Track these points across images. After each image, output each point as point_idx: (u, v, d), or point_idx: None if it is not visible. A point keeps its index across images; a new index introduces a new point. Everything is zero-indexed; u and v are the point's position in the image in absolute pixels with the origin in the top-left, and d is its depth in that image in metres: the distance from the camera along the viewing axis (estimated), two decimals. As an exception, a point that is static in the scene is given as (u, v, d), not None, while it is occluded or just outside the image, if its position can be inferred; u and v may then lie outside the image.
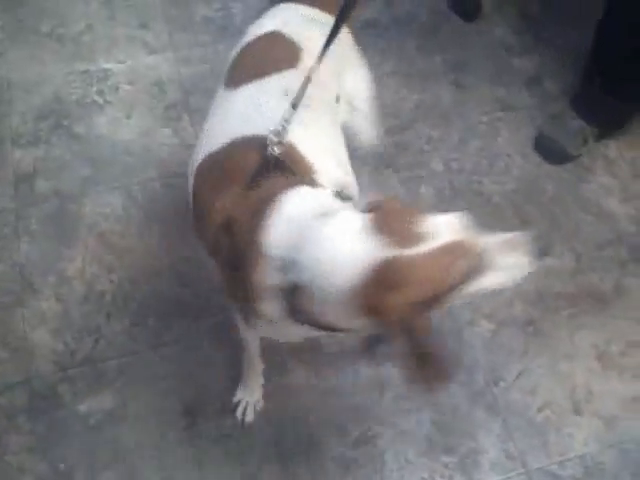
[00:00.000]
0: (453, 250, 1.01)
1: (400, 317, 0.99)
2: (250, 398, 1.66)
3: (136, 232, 1.89)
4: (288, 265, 1.06)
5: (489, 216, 1.91)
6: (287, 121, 1.21)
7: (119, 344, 1.72)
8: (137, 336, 1.73)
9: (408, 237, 1.01)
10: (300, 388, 1.68)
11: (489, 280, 1.04)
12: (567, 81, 2.19)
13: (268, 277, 1.08)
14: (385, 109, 1.93)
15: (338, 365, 1.71)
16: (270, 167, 1.18)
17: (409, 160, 2.03)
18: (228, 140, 1.25)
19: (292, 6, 1.48)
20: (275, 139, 1.20)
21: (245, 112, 1.30)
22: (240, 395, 1.67)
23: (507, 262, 1.05)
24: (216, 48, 2.23)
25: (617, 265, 1.87)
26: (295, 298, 1.06)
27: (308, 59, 1.31)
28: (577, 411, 1.67)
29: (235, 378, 1.67)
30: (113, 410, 1.65)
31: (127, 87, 2.17)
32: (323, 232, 1.05)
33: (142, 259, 1.84)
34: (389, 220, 1.03)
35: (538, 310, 1.80)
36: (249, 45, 1.43)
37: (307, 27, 1.42)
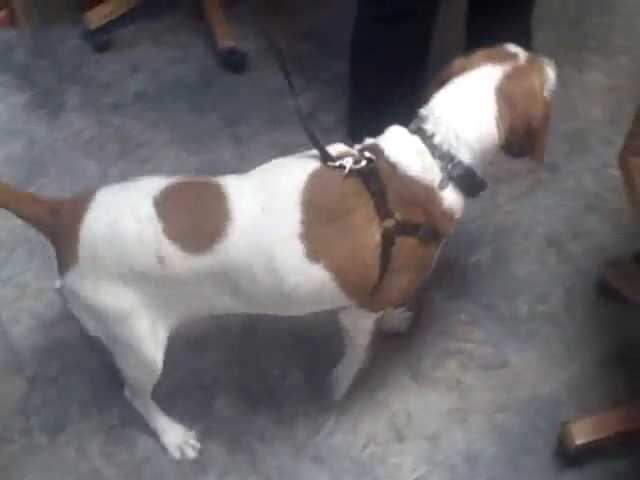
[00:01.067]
0: (535, 61, 1.36)
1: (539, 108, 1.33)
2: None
3: None
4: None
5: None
6: None
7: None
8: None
9: (505, 57, 1.34)
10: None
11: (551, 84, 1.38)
12: (340, 112, 2.23)
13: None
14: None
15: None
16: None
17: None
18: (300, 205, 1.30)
19: None
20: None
21: None
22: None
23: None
24: None
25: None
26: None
27: None
28: (400, 438, 1.67)
29: None
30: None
31: None
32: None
33: None
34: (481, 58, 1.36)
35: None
36: None
37: None
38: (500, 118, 1.31)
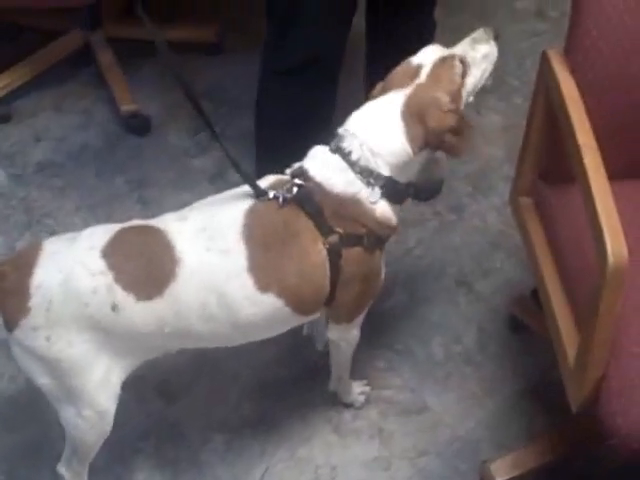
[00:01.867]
0: (443, 65, 1.40)
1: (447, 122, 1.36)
2: None
3: None
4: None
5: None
6: None
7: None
8: None
9: (408, 78, 1.40)
10: None
11: (476, 73, 1.43)
12: (248, 169, 2.23)
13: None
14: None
15: None
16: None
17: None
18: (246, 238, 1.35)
19: None
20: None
21: None
22: None
23: (480, 54, 1.44)
24: None
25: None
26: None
27: None
28: (324, 493, 1.67)
29: None
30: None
31: None
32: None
33: None
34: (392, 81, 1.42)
35: (266, 403, 1.79)
36: None
37: None
38: (409, 134, 1.37)
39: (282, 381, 1.83)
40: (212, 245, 1.35)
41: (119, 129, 2.40)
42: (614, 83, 1.43)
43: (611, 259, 1.19)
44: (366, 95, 1.52)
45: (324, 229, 1.37)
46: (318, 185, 1.38)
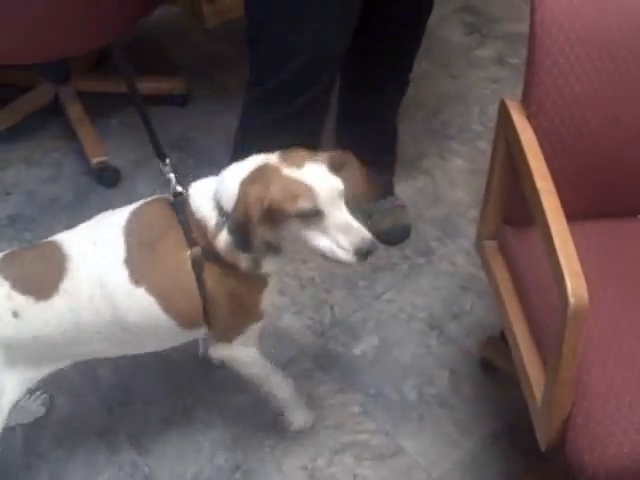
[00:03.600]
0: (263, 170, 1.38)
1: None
2: None
3: None
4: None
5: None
6: None
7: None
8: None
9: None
10: None
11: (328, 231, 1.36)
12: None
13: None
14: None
15: None
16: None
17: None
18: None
19: None
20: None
21: None
22: None
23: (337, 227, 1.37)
24: None
25: (306, 378, 1.92)
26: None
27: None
28: (300, 541, 1.66)
29: None
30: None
31: None
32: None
33: None
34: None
35: (240, 453, 1.79)
36: None
37: None
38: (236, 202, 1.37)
39: (254, 429, 1.83)
40: (99, 239, 1.46)
41: (89, 181, 2.42)
42: (569, 129, 1.47)
43: (572, 300, 1.22)
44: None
45: (189, 239, 1.44)
46: (189, 204, 1.46)
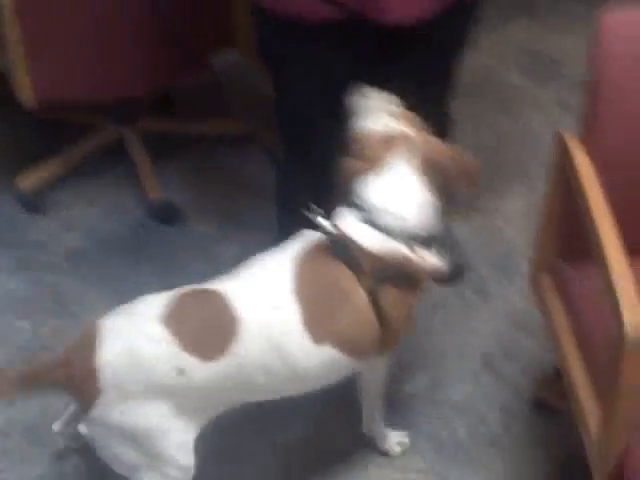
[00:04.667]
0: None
1: None
2: None
3: None
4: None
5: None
6: None
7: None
8: None
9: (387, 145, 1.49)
10: None
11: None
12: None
13: None
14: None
15: None
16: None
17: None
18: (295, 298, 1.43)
19: None
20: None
21: None
22: None
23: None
24: None
25: (356, 412, 1.89)
26: None
27: None
28: None
29: None
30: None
31: None
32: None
33: None
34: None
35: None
36: None
37: None
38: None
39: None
40: (269, 299, 1.43)
41: (149, 219, 2.46)
42: (629, 162, 1.46)
43: (629, 330, 1.19)
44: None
45: (360, 275, 1.43)
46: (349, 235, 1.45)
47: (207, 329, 1.42)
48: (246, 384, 1.43)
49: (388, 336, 1.50)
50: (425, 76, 1.80)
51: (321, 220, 1.48)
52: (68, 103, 2.34)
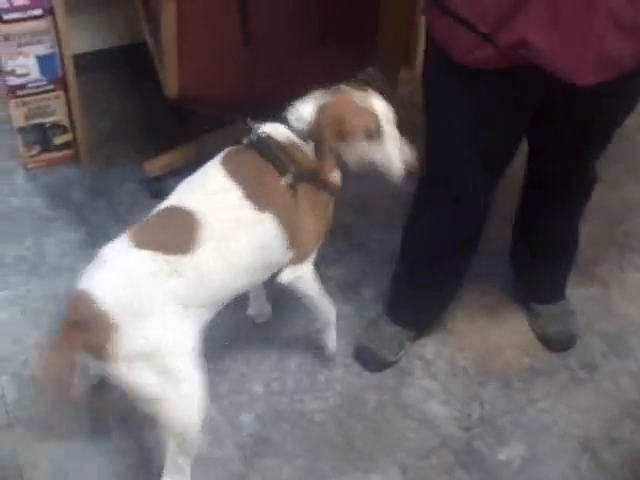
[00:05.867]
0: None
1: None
2: None
3: None
4: None
5: (314, 438, 1.89)
6: None
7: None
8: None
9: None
10: None
11: (386, 147, 1.68)
12: (383, 285, 2.23)
13: None
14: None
15: None
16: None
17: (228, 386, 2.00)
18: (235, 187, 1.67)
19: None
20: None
21: None
22: None
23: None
24: (28, 289, 2.19)
25: (444, 472, 1.85)
26: None
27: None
28: None
29: None
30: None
31: None
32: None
33: None
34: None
35: None
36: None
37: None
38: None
39: None
40: (209, 190, 1.66)
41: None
42: None
43: None
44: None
45: (281, 170, 1.69)
46: (273, 136, 1.72)
47: (175, 231, 1.58)
48: (223, 266, 1.60)
49: (304, 235, 1.72)
50: (585, 133, 1.76)
51: (251, 123, 1.75)
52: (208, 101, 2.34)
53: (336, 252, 2.36)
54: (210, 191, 1.66)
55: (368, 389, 2.02)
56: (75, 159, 2.61)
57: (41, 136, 2.55)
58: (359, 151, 1.70)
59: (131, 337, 1.46)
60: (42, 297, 2.15)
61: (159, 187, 2.49)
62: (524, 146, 1.88)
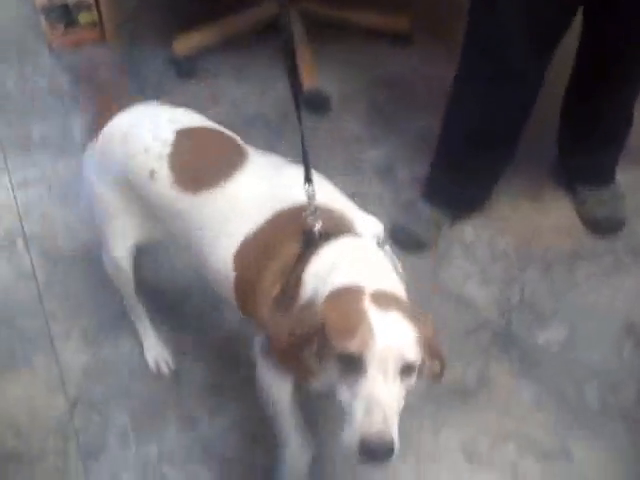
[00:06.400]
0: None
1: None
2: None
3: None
4: None
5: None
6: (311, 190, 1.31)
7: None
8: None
9: None
10: None
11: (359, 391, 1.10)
12: (418, 169, 2.14)
13: None
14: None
15: None
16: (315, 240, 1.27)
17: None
18: (263, 220, 1.33)
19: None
20: (310, 210, 1.28)
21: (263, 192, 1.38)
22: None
23: None
24: (55, 167, 2.14)
25: (481, 353, 1.80)
26: None
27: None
28: (447, 520, 1.57)
29: None
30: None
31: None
32: None
33: None
34: None
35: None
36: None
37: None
38: None
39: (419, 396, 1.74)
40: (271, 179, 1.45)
41: (293, 108, 2.36)
42: None
43: None
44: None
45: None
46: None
47: (199, 167, 1.42)
48: (193, 227, 1.41)
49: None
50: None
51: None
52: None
53: (372, 134, 2.28)
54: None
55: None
56: (101, 39, 2.53)
57: (65, 15, 2.46)
58: (327, 370, 1.16)
59: (96, 164, 1.52)
60: (69, 176, 2.10)
61: (190, 68, 2.41)
62: (576, 25, 1.75)
